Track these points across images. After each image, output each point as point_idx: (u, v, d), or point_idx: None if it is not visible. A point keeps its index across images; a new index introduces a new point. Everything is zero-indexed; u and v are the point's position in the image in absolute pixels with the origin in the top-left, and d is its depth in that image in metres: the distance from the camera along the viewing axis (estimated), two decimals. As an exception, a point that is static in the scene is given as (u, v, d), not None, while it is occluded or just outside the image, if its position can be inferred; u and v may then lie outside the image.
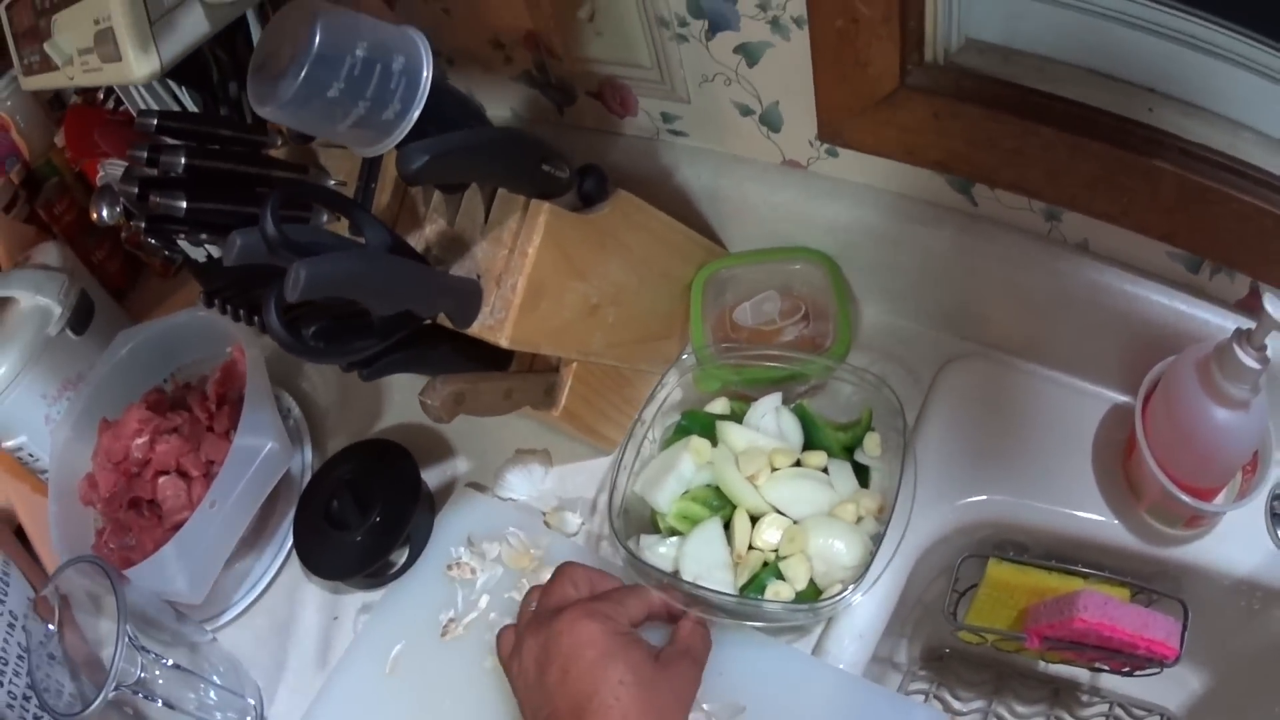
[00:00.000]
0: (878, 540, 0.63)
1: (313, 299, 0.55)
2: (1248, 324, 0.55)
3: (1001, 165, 0.65)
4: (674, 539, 0.66)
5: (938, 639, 0.81)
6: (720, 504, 0.66)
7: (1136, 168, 0.58)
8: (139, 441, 0.79)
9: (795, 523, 0.65)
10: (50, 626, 0.73)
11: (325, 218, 0.70)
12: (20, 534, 0.93)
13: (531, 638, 0.58)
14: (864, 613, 0.67)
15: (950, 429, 0.72)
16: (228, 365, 0.83)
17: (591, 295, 0.66)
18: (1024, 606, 0.72)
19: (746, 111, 0.72)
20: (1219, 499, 0.67)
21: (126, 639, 0.66)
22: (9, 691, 0.78)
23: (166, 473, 0.79)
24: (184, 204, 0.65)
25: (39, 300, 0.84)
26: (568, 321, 0.65)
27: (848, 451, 0.68)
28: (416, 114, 0.55)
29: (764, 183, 0.73)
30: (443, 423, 0.60)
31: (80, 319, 0.86)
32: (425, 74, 0.55)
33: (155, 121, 0.67)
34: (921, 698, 0.80)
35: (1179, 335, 0.65)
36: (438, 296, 0.61)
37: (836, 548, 0.64)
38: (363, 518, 0.73)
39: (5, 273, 0.88)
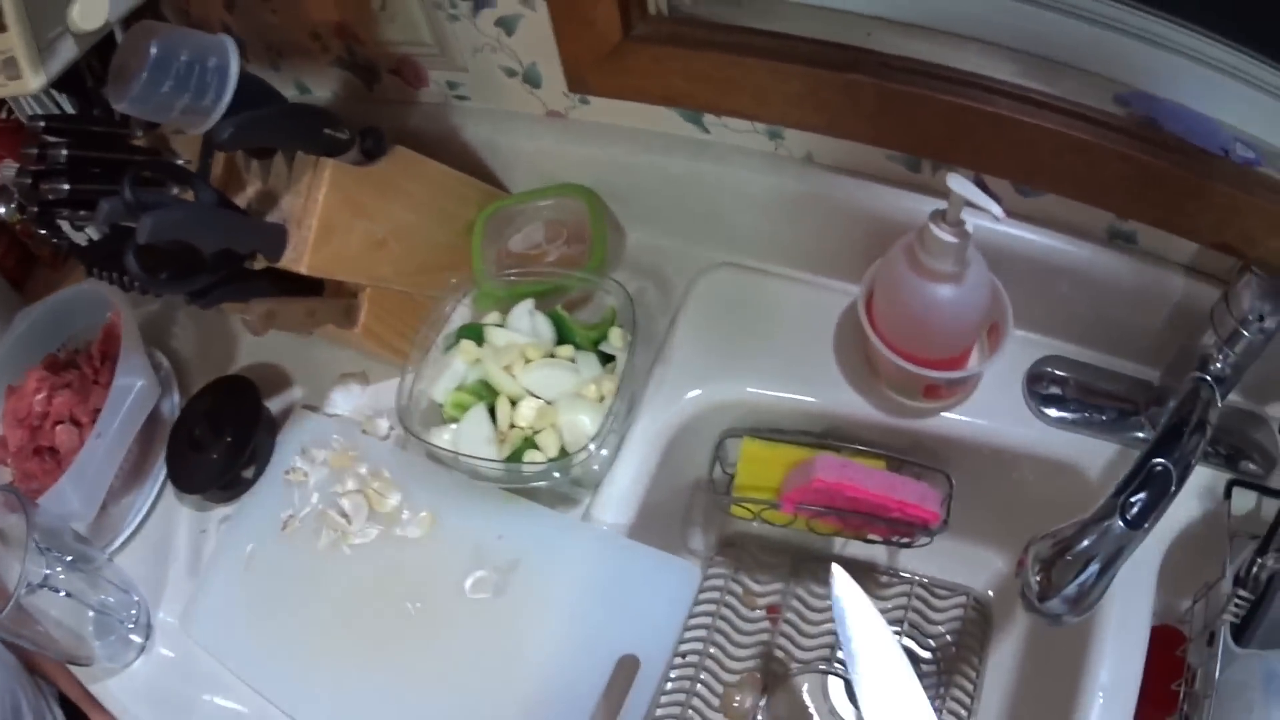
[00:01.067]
0: (615, 411, 1.14)
1: (156, 242, 1.11)
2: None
3: (716, 95, 1.11)
4: (454, 425, 1.19)
5: (731, 527, 1.30)
6: (488, 394, 1.17)
7: (834, 83, 0.99)
8: (39, 397, 1.35)
9: (548, 404, 1.16)
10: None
11: (176, 190, 1.27)
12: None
13: None
14: (623, 480, 1.16)
15: (701, 328, 1.20)
16: (108, 328, 1.36)
17: (377, 232, 1.19)
18: (780, 479, 1.21)
19: (511, 74, 1.23)
20: (963, 369, 1.08)
21: (34, 543, 1.22)
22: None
23: (62, 422, 1.35)
24: (67, 186, 1.21)
25: (-59, 294, 1.44)
26: (357, 253, 1.17)
27: (594, 345, 1.20)
28: (228, 98, 1.08)
29: (531, 133, 1.24)
30: (258, 335, 1.13)
31: (-18, 306, 1.45)
32: (233, 68, 1.11)
33: (43, 124, 1.25)
34: (720, 581, 1.29)
35: (907, 229, 0.98)
36: (249, 236, 1.14)
37: (582, 421, 1.13)
38: (217, 440, 1.27)
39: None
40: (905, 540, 1.17)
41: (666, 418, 1.18)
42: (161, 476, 1.34)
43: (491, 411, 1.16)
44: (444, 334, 1.20)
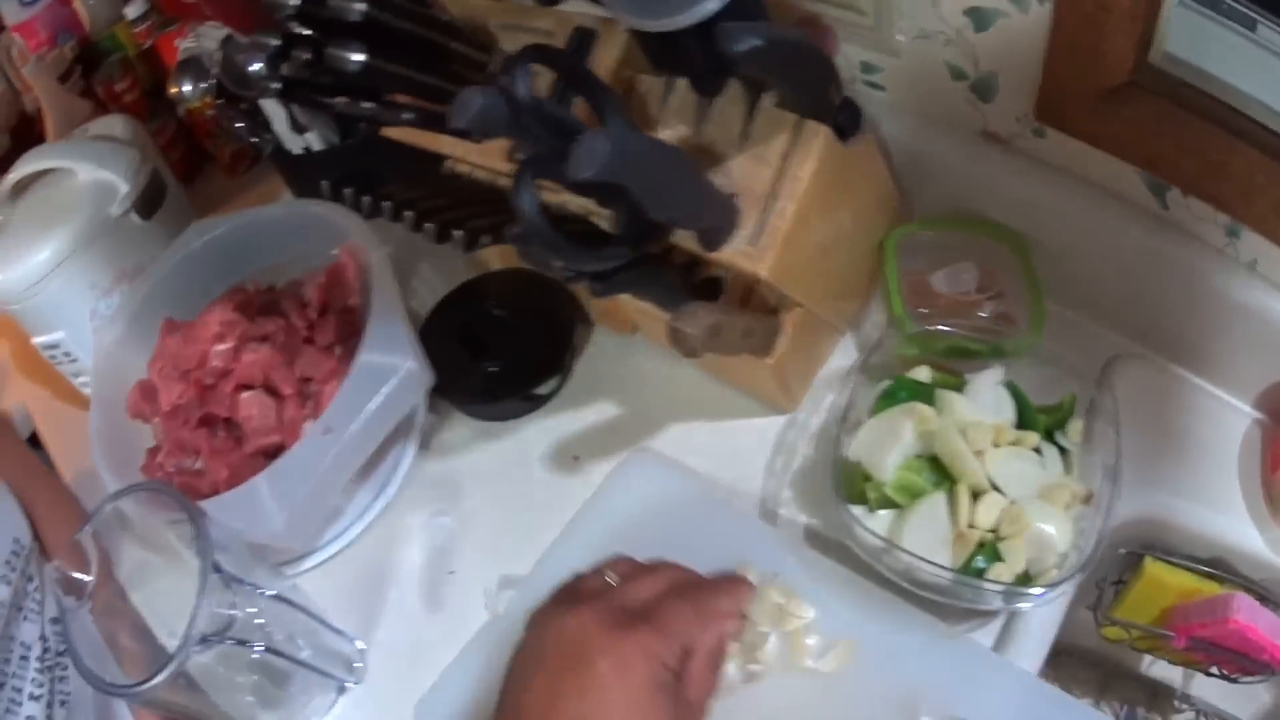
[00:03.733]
0: (1088, 530, 0.56)
1: (597, 180, 0.42)
2: None
3: (1205, 176, 0.58)
4: (885, 511, 0.57)
5: (1063, 636, 0.75)
6: (936, 478, 0.56)
7: None
8: (220, 348, 0.60)
9: (1012, 503, 0.57)
10: (85, 577, 0.54)
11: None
12: (34, 442, 0.72)
13: (568, 619, 0.43)
14: (1046, 607, 0.60)
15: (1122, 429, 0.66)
16: (334, 269, 0.64)
17: (826, 236, 0.54)
18: (1167, 606, 0.67)
19: (959, 76, 0.62)
20: None
21: (214, 575, 0.49)
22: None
23: (250, 387, 0.60)
24: (362, 57, 0.50)
25: (102, 175, 0.64)
26: (808, 261, 0.53)
27: (1048, 434, 0.61)
28: None
29: (964, 151, 0.63)
30: (693, 356, 0.48)
31: (148, 202, 0.66)
32: None
33: None
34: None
35: None
36: (708, 208, 0.48)
37: (1049, 533, 0.55)
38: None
39: (64, 141, 0.67)
40: (1236, 676, 0.66)
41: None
42: (394, 482, 0.62)
43: (935, 503, 0.54)
44: (861, 383, 0.57)
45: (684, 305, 0.48)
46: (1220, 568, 0.65)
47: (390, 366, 0.56)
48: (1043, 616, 0.58)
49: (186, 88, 0.63)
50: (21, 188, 0.71)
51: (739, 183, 0.50)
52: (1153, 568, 0.64)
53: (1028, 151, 0.64)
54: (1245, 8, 0.52)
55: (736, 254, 0.49)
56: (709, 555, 0.54)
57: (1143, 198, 0.63)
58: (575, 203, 0.52)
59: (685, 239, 0.50)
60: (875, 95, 0.66)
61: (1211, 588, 0.65)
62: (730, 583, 0.51)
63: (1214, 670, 0.68)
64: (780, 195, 0.49)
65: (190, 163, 0.86)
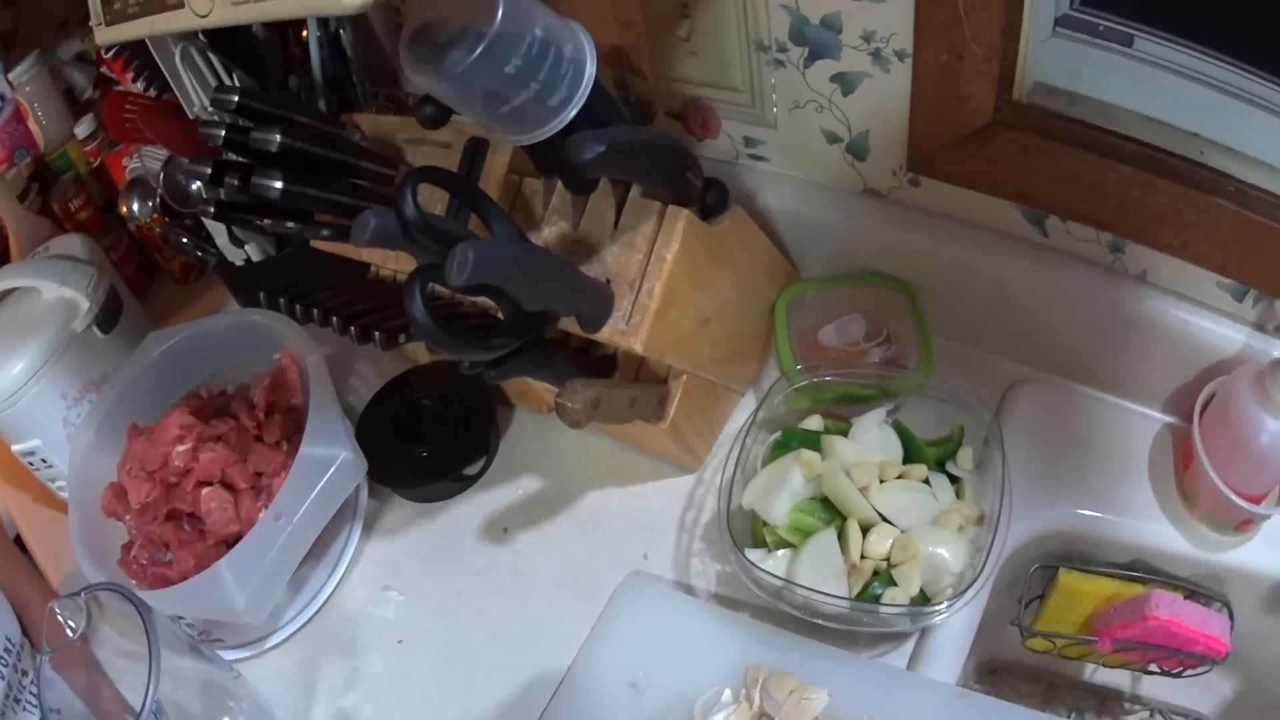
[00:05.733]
0: (983, 547, 0.65)
1: (469, 284, 0.53)
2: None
3: (1080, 200, 0.67)
4: (782, 551, 0.66)
5: (990, 653, 0.83)
6: (829, 516, 0.66)
7: (1200, 205, 0.61)
8: (180, 449, 0.72)
9: (903, 532, 0.66)
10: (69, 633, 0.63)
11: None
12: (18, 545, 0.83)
13: None
14: (957, 622, 0.67)
15: (1019, 448, 0.74)
16: (277, 372, 0.75)
17: (706, 308, 0.64)
18: (1090, 612, 0.74)
19: (834, 139, 0.73)
20: (1265, 505, 0.68)
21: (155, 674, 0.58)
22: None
23: (210, 484, 0.72)
24: (280, 184, 0.61)
25: (65, 293, 0.76)
26: (686, 333, 0.63)
27: (939, 465, 0.70)
28: (581, 103, 0.53)
29: (846, 209, 0.73)
30: (578, 427, 0.58)
31: (108, 316, 0.78)
32: (590, 67, 0.54)
33: (237, 99, 0.63)
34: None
35: (1225, 359, 0.68)
36: (580, 297, 0.59)
37: (942, 555, 0.64)
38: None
39: (28, 261, 0.79)
40: (1181, 670, 0.74)
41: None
42: (343, 560, 0.73)
43: (835, 538, 0.64)
44: (755, 438, 0.67)
45: (567, 382, 0.58)
46: (1142, 569, 0.74)
47: (329, 457, 0.67)
48: (953, 632, 0.67)
49: (135, 206, 0.75)
50: (-9, 304, 0.83)
51: (613, 269, 0.61)
52: (1067, 578, 0.73)
53: (906, 201, 0.74)
54: (1122, 25, 0.61)
55: (614, 333, 0.59)
56: (718, 664, 0.63)
57: (1023, 229, 0.72)
58: (471, 300, 0.63)
59: (570, 324, 0.61)
60: (760, 166, 0.77)
61: (1134, 589, 0.73)
62: None
63: (1153, 668, 0.76)
64: (648, 277, 0.59)
65: (144, 274, 0.98)
